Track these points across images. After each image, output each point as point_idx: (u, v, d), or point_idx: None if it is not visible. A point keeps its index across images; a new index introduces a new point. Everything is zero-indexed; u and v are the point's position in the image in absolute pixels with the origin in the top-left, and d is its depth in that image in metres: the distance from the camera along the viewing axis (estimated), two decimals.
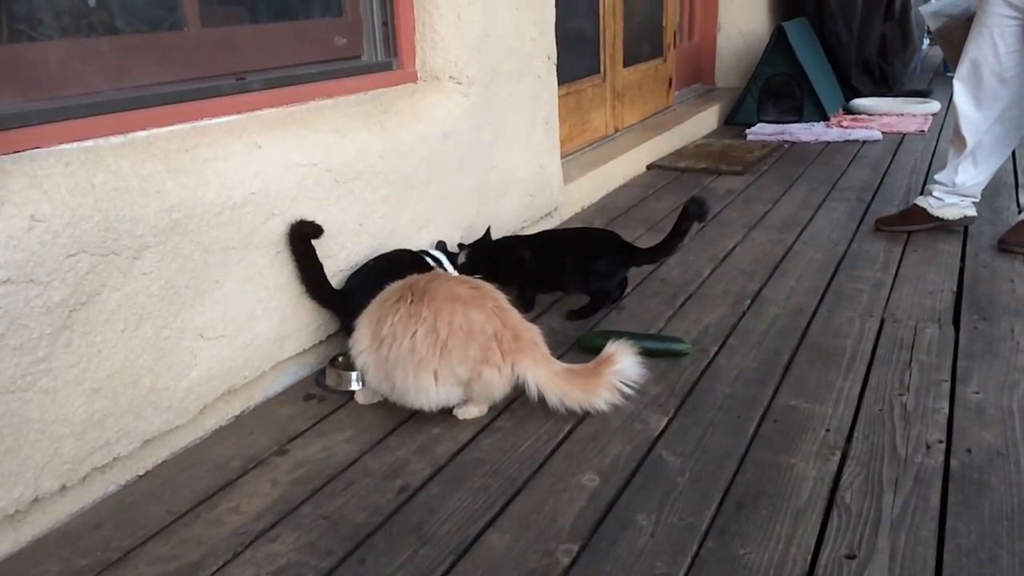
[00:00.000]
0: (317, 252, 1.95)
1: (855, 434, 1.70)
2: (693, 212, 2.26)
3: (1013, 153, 3.69)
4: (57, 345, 1.45)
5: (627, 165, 3.95)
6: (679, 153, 4.41)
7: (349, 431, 1.80)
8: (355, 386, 1.97)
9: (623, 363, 1.77)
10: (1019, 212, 3.11)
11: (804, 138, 4.70)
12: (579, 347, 2.13)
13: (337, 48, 2.35)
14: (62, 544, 1.46)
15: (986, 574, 1.30)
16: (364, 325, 1.77)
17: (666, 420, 1.78)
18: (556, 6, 3.02)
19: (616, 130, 4.34)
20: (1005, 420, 1.73)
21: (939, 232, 2.92)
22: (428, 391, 1.71)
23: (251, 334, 1.86)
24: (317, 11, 2.34)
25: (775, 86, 5.09)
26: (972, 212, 2.92)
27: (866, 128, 4.81)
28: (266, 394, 1.96)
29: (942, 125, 4.93)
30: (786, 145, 4.61)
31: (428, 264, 2.16)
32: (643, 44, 4.64)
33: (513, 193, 2.84)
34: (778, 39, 4.99)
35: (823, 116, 5.01)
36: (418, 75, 2.53)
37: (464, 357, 1.69)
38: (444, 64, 2.51)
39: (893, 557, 1.34)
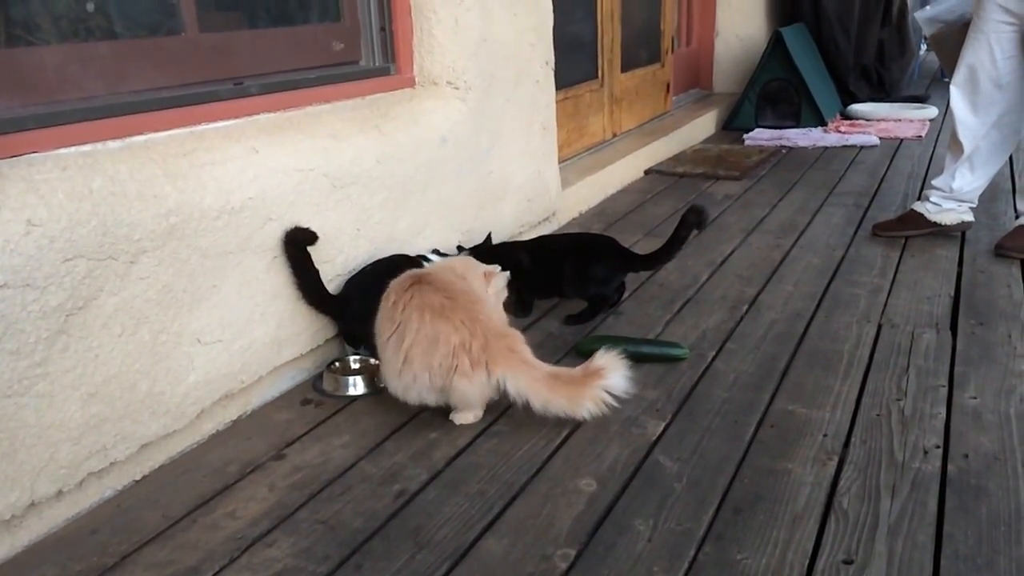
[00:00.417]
0: (313, 258, 1.95)
1: (852, 439, 1.70)
2: (692, 220, 2.27)
3: (1010, 158, 3.70)
4: (54, 350, 1.45)
5: (625, 170, 3.95)
6: (677, 158, 4.42)
7: (346, 436, 1.80)
8: (352, 391, 1.97)
9: (612, 378, 1.72)
10: (1016, 217, 3.11)
11: (802, 143, 4.71)
12: (577, 352, 2.13)
13: (335, 53, 2.35)
14: (58, 549, 1.46)
15: None
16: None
17: (663, 425, 1.78)
18: (554, 11, 3.03)
19: (614, 135, 4.35)
20: (1002, 425, 1.73)
21: (936, 237, 2.92)
22: (407, 391, 1.76)
23: (248, 339, 1.86)
24: (315, 16, 2.34)
25: (773, 91, 5.10)
26: (969, 217, 2.92)
27: (864, 133, 4.82)
28: (263, 399, 1.96)
29: (939, 130, 4.94)
30: (784, 150, 4.62)
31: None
32: (641, 49, 4.65)
33: (511, 198, 2.85)
34: (776, 44, 5.01)
35: (821, 121, 5.02)
36: (416, 80, 2.53)
37: (427, 366, 1.71)
38: (442, 69, 2.51)
39: (890, 562, 1.34)
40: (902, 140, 4.76)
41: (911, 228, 2.96)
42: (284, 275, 1.93)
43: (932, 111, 5.36)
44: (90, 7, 1.72)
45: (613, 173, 3.82)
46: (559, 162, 3.22)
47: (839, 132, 4.92)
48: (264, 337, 1.90)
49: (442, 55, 2.50)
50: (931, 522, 1.43)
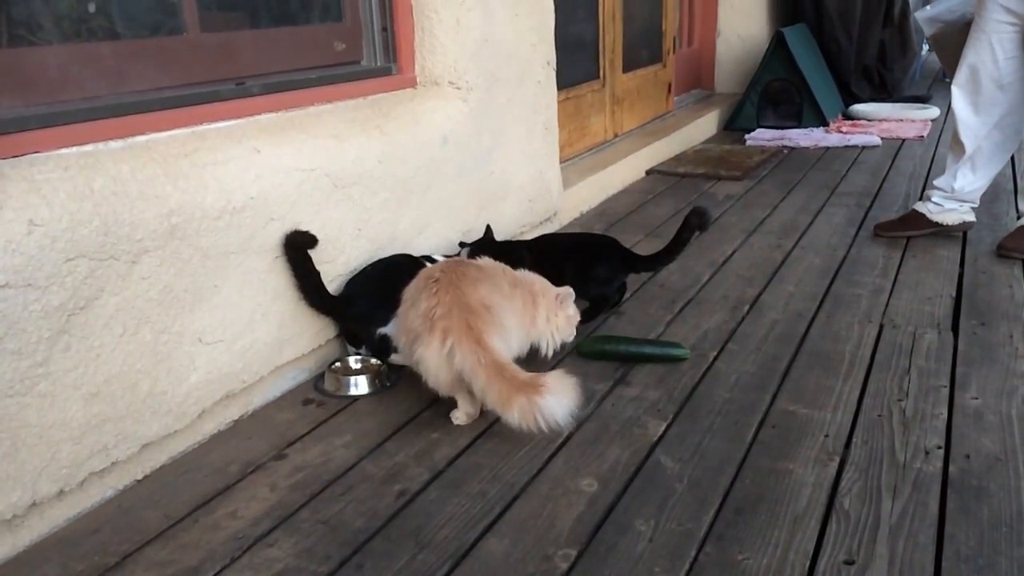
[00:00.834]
0: (314, 259, 1.95)
1: (854, 440, 1.70)
2: (694, 222, 2.28)
3: (1012, 159, 3.70)
4: (55, 349, 1.45)
5: (626, 170, 3.95)
6: (678, 158, 4.41)
7: (348, 436, 1.80)
8: (354, 391, 1.97)
9: (549, 399, 1.56)
10: (1018, 218, 3.11)
11: (803, 143, 4.71)
12: (578, 352, 2.13)
13: (336, 53, 2.36)
14: (60, 549, 1.46)
15: None
16: None
17: (665, 425, 1.78)
18: (556, 11, 3.02)
19: (615, 135, 4.35)
20: (1004, 426, 1.72)
21: (938, 238, 2.92)
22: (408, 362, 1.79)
23: (250, 339, 1.86)
24: (317, 16, 2.34)
25: (774, 92, 5.10)
26: (971, 218, 2.92)
27: (865, 134, 4.82)
28: (265, 399, 1.96)
29: (941, 131, 4.94)
30: (785, 150, 4.62)
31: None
32: (643, 49, 4.65)
33: (512, 198, 2.85)
34: (777, 45, 5.00)
35: (822, 122, 5.02)
36: (417, 80, 2.53)
37: (404, 329, 1.75)
38: (443, 69, 2.51)
39: (891, 563, 1.34)
40: (904, 140, 4.76)
41: (913, 228, 2.96)
42: (285, 275, 1.93)
43: (934, 111, 5.36)
44: (92, 7, 1.72)
45: (614, 173, 3.82)
46: (560, 162, 3.22)
47: (841, 132, 4.91)
48: (265, 337, 1.90)
49: (444, 55, 2.50)
50: (932, 523, 1.43)
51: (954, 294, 2.44)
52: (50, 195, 1.43)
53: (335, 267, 2.06)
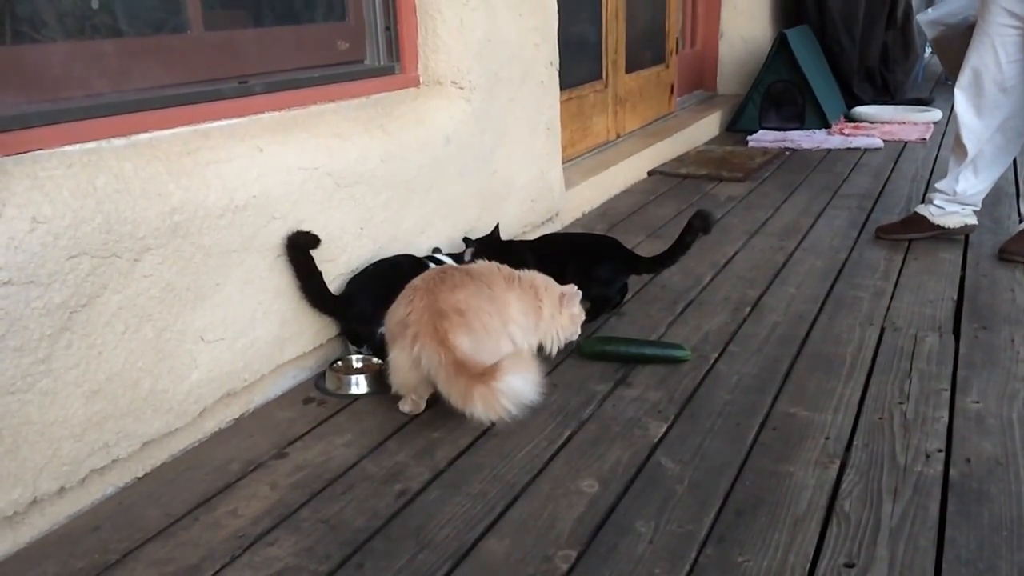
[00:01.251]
0: (316, 258, 1.95)
1: (854, 442, 1.70)
2: (697, 226, 2.28)
3: (1014, 162, 3.69)
4: (57, 347, 1.45)
5: (628, 171, 3.95)
6: (680, 159, 4.41)
7: (348, 435, 1.80)
8: (355, 390, 1.97)
9: (506, 379, 1.55)
10: (1020, 221, 3.11)
11: (805, 145, 4.71)
12: (579, 353, 2.13)
13: (340, 52, 2.36)
14: (60, 546, 1.46)
15: None
16: None
17: (665, 426, 1.78)
18: (559, 12, 3.03)
19: (618, 136, 4.35)
20: (1005, 430, 1.72)
21: (940, 241, 2.92)
22: None
23: (251, 337, 1.86)
24: (320, 15, 2.34)
25: (777, 93, 5.10)
26: (973, 221, 2.92)
27: (868, 136, 4.82)
28: (265, 397, 1.96)
29: (943, 133, 4.93)
30: (787, 152, 4.62)
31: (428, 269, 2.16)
32: (645, 50, 4.65)
33: (514, 198, 2.85)
34: (780, 46, 5.01)
35: (825, 123, 5.02)
36: (420, 80, 2.53)
37: (386, 332, 1.81)
38: (447, 69, 2.51)
39: (892, 566, 1.34)
40: (906, 143, 4.76)
41: (914, 231, 2.95)
42: (287, 274, 1.93)
43: (936, 114, 5.36)
44: (95, 4, 1.72)
45: (617, 174, 3.82)
46: (563, 162, 3.22)
47: (843, 134, 4.91)
48: (267, 335, 1.90)
49: (447, 55, 2.50)
50: (933, 526, 1.43)
51: (955, 297, 2.44)
52: (53, 192, 1.43)
53: (337, 266, 2.06)
